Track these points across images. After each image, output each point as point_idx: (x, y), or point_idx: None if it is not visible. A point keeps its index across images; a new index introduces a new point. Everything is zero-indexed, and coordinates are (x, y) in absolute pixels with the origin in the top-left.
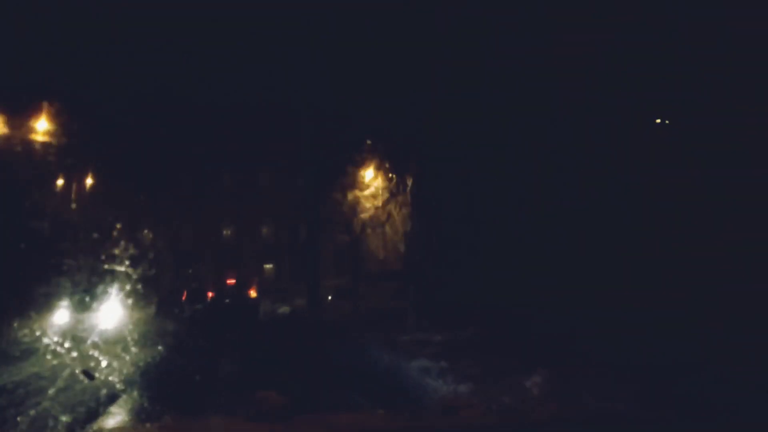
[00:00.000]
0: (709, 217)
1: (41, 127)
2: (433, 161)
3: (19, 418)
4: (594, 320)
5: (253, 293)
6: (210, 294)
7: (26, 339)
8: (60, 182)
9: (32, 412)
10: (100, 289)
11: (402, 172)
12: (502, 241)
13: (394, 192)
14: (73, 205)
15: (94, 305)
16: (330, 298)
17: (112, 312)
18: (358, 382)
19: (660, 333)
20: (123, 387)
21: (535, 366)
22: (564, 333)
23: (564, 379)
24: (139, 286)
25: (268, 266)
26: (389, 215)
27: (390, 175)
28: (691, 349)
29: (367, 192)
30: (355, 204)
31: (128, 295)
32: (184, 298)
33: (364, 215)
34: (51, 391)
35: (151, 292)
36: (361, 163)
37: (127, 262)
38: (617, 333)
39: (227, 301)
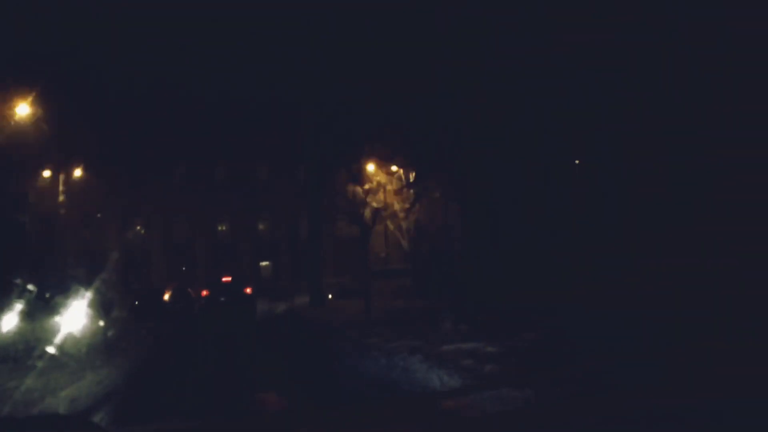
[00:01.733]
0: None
1: (29, 115)
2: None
3: None
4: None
5: (249, 291)
6: (204, 292)
7: None
8: (45, 174)
9: None
10: (66, 289)
11: (416, 163)
12: (540, 234)
13: (411, 182)
14: (60, 198)
15: (56, 309)
16: (330, 296)
17: (77, 317)
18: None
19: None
20: None
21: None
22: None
23: None
24: (115, 286)
25: (265, 263)
26: (407, 207)
27: (396, 167)
28: None
29: (376, 181)
30: (365, 195)
31: (102, 295)
32: (166, 298)
33: (376, 206)
34: None
35: (129, 293)
36: (370, 152)
37: (104, 260)
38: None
39: (222, 299)
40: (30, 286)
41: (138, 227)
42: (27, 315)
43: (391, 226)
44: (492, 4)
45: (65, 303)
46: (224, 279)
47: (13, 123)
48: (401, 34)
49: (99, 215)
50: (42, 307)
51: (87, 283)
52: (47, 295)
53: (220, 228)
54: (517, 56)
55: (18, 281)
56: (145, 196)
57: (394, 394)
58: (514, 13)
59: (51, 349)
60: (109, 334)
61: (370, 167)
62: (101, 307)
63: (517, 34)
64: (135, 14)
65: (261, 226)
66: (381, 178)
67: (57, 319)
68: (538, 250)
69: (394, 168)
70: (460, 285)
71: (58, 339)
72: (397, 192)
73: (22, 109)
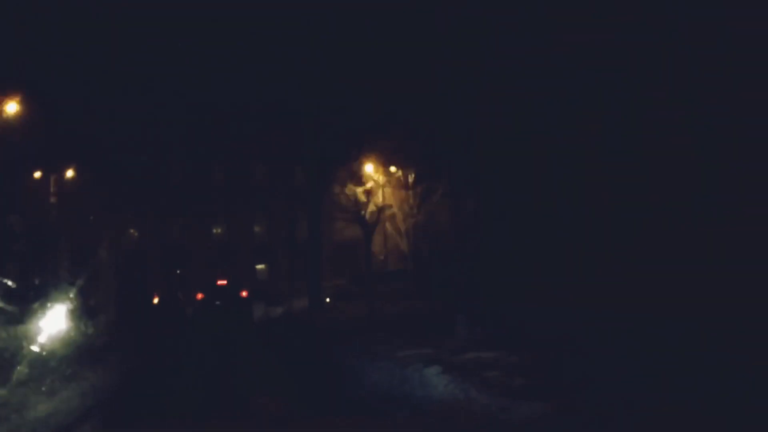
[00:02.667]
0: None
1: (18, 113)
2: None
3: None
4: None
5: (244, 294)
6: (199, 295)
7: None
8: (36, 174)
9: None
10: (52, 292)
11: (419, 163)
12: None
13: (414, 183)
14: (52, 199)
15: (39, 312)
16: (328, 300)
17: (60, 321)
18: None
19: None
20: None
21: None
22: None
23: None
24: (104, 289)
25: (261, 266)
26: (408, 208)
27: (395, 168)
28: None
29: (375, 182)
30: (365, 196)
31: (89, 299)
32: (155, 302)
33: (378, 206)
34: None
35: (118, 297)
36: (369, 153)
37: (95, 262)
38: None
39: (217, 303)
40: (10, 282)
41: (131, 230)
42: (6, 318)
43: (389, 228)
44: (492, 4)
45: (49, 306)
46: (219, 282)
47: (1, 122)
48: (401, 34)
49: (91, 218)
50: (24, 310)
51: (74, 286)
52: (36, 302)
53: (215, 230)
54: (518, 55)
55: None
56: (140, 198)
57: (415, 411)
58: (514, 13)
59: (30, 357)
60: (95, 339)
61: (369, 168)
62: (88, 311)
63: (517, 33)
64: (133, 13)
65: (257, 228)
66: (380, 178)
67: (39, 323)
68: (553, 252)
69: (393, 169)
70: (471, 287)
71: (39, 345)
72: (397, 190)
73: (11, 108)
